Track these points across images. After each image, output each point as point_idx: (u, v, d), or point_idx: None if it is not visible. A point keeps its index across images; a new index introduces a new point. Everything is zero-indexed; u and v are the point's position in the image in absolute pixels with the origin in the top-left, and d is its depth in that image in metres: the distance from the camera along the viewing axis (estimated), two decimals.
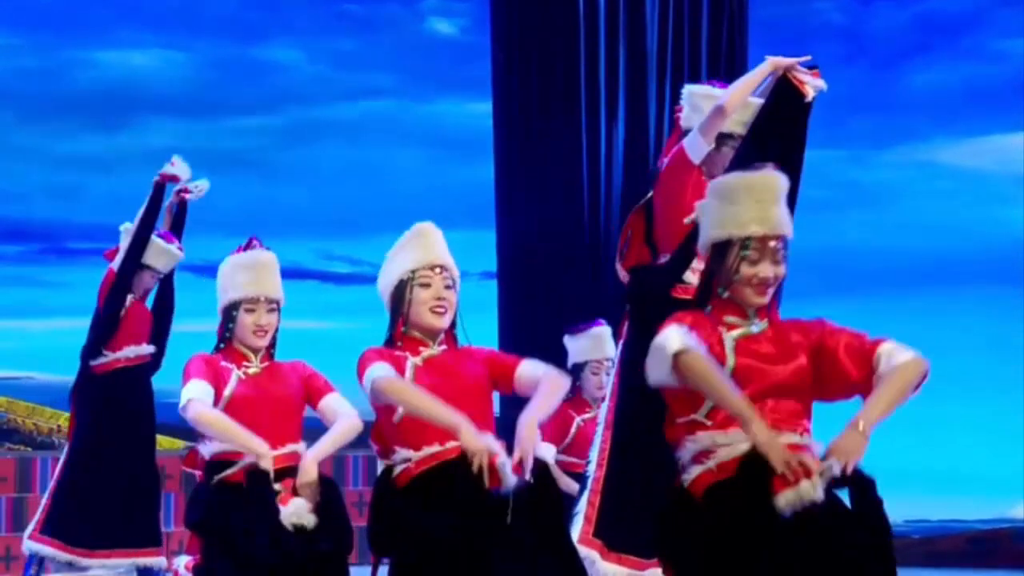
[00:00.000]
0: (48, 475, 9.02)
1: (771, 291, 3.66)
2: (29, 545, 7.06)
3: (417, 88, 12.12)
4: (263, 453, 4.51)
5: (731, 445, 3.51)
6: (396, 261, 4.28)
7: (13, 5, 11.65)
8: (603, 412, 5.30)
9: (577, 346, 7.03)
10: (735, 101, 5.13)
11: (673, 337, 3.47)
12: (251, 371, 4.75)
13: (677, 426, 3.61)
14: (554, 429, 6.64)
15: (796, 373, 3.61)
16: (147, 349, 7.13)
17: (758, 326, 3.64)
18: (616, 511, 5.14)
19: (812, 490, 3.35)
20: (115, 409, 7.03)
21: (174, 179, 7.23)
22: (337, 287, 11.88)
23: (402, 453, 4.12)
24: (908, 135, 12.13)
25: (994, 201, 11.83)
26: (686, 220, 5.08)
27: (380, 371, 4.09)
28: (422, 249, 4.27)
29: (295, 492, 4.52)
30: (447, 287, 4.22)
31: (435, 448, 4.09)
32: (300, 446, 4.70)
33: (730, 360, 3.55)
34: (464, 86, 11.58)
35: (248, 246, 4.98)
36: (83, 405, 7.08)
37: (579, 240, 9.79)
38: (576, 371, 6.92)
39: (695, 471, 3.55)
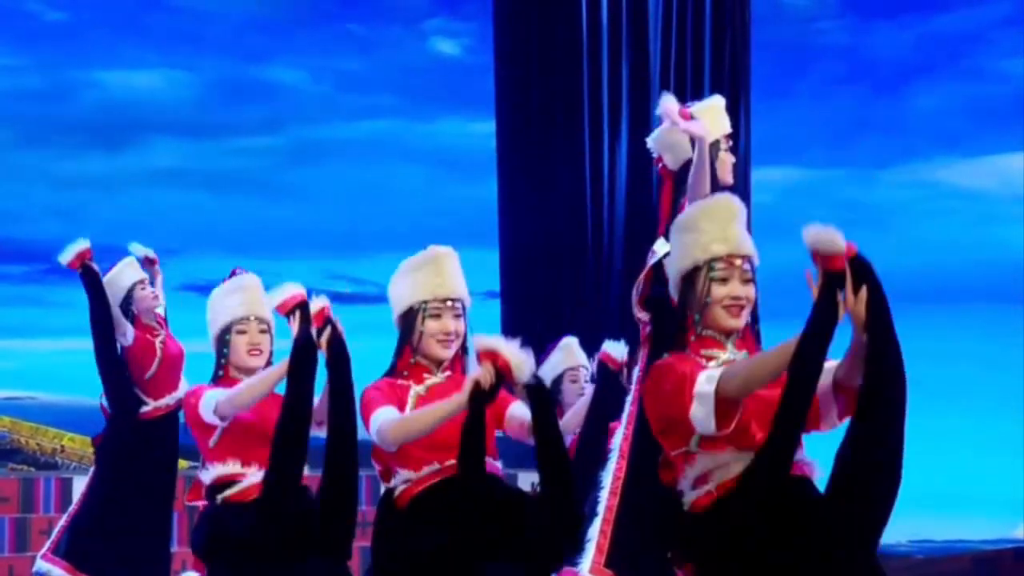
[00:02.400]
0: (51, 495, 9.02)
1: (745, 313, 3.65)
2: (39, 565, 7.08)
3: (420, 108, 12.16)
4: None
5: (727, 466, 3.53)
6: (407, 285, 4.28)
7: (17, 26, 11.69)
8: (617, 439, 5.29)
9: (550, 363, 7.09)
10: (701, 189, 5.08)
11: (701, 384, 3.47)
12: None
13: (672, 461, 3.63)
14: None
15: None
16: (182, 393, 7.10)
17: (737, 355, 3.63)
18: (629, 541, 5.13)
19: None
20: (149, 454, 7.05)
21: (84, 255, 7.02)
22: (340, 306, 11.85)
23: (403, 474, 4.14)
24: (910, 155, 12.16)
25: (995, 221, 11.86)
26: None
27: (383, 417, 4.10)
28: (437, 278, 4.27)
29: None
30: (456, 316, 4.23)
31: (435, 467, 4.12)
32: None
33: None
34: (467, 105, 11.61)
35: (231, 275, 5.06)
36: (120, 444, 7.06)
37: (582, 258, 9.80)
38: (555, 391, 7.01)
39: (694, 495, 3.58)
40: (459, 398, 3.92)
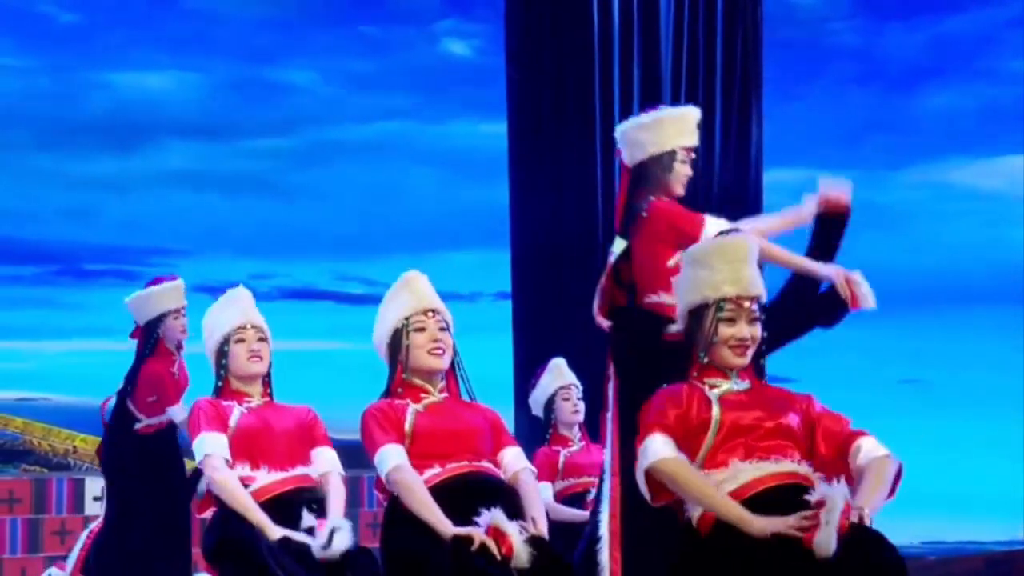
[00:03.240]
0: (64, 496, 9.04)
1: (750, 352, 3.75)
2: None
3: (432, 109, 12.16)
4: (268, 528, 4.58)
5: (735, 476, 3.59)
6: (388, 312, 4.37)
7: (29, 27, 11.71)
8: (607, 460, 5.30)
9: (541, 387, 7.14)
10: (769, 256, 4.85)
11: (645, 451, 3.60)
12: (253, 404, 4.87)
13: None
14: (545, 470, 6.73)
15: (787, 426, 3.67)
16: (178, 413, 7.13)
17: (740, 385, 3.74)
18: (640, 560, 5.15)
19: (829, 541, 3.35)
20: (150, 461, 7.07)
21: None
22: (352, 308, 11.89)
23: None
24: (921, 156, 12.15)
25: (1007, 222, 11.84)
26: (670, 263, 5.04)
27: (389, 461, 4.15)
28: (413, 296, 4.36)
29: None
30: (441, 329, 4.30)
31: (436, 470, 4.16)
32: (310, 469, 4.79)
33: (716, 412, 3.63)
34: (478, 107, 11.61)
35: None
36: (121, 454, 7.11)
37: (593, 259, 9.79)
38: (548, 411, 7.05)
39: (700, 509, 3.62)
40: (450, 528, 3.98)
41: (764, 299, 3.83)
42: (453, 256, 10.25)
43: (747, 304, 3.74)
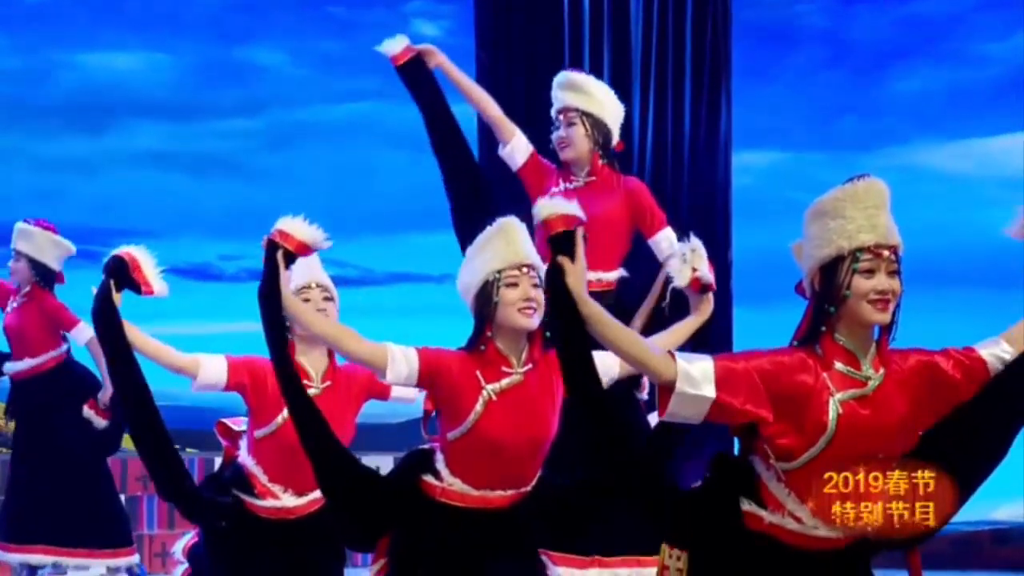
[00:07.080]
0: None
1: (891, 307, 3.42)
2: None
3: (401, 90, 12.08)
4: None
5: (797, 527, 3.36)
6: (479, 262, 4.03)
7: None
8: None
9: None
10: None
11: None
12: (311, 390, 4.35)
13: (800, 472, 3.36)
14: None
15: (900, 431, 3.43)
16: (44, 358, 7.14)
17: (874, 379, 3.41)
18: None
19: None
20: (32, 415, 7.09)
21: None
22: None
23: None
24: (891, 138, 12.18)
25: (976, 204, 11.87)
26: None
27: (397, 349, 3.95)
28: (508, 246, 4.02)
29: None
30: (534, 285, 3.96)
31: (469, 490, 4.00)
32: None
33: (831, 428, 3.29)
34: (448, 88, 11.57)
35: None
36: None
37: None
38: None
39: (754, 507, 3.37)
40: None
41: (902, 249, 3.45)
42: (423, 237, 10.22)
43: (886, 253, 3.38)
